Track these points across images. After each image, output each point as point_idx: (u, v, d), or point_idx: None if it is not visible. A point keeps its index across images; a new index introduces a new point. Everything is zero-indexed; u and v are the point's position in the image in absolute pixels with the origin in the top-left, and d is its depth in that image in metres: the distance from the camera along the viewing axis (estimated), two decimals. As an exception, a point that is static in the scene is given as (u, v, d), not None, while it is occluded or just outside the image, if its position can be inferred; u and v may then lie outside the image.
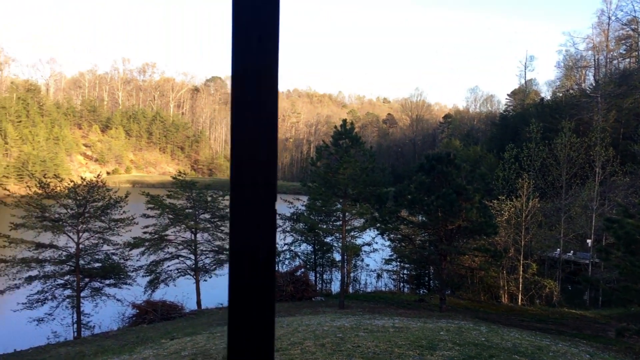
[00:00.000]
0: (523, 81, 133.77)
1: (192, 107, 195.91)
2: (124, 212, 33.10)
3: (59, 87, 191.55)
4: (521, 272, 39.13)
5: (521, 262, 39.37)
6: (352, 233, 36.28)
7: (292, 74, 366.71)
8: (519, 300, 38.80)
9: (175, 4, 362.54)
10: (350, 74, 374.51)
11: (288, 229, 40.28)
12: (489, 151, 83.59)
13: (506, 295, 39.53)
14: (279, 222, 41.14)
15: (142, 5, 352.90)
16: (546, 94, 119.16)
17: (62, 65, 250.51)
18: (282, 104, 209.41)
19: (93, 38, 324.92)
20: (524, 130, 63.09)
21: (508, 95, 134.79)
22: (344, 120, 32.19)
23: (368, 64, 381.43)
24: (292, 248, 40.26)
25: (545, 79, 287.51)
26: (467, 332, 15.63)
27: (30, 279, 29.41)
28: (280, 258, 40.63)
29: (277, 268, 39.47)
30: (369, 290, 42.63)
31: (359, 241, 39.64)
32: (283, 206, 42.09)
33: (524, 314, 32.97)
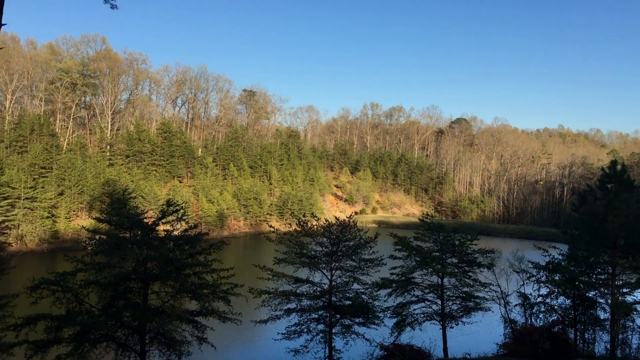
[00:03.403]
0: None
1: (437, 149, 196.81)
2: (373, 252, 33.69)
3: (315, 132, 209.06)
4: None
5: None
6: (623, 289, 31.75)
7: (540, 111, 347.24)
8: None
9: (428, 53, 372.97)
10: (610, 108, 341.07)
11: (543, 279, 36.94)
12: None
13: None
14: (532, 271, 38.09)
15: (390, 54, 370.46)
16: None
17: (318, 112, 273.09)
18: (532, 144, 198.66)
19: (345, 86, 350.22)
20: None
21: None
22: (613, 162, 28.65)
23: (631, 95, 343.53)
24: (548, 301, 36.73)
25: None
26: None
27: (289, 311, 31.51)
28: (534, 311, 37.39)
29: (530, 321, 36.53)
30: (642, 356, 36.74)
31: (629, 298, 34.57)
32: (536, 254, 38.93)
33: None
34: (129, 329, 26.23)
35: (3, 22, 15.40)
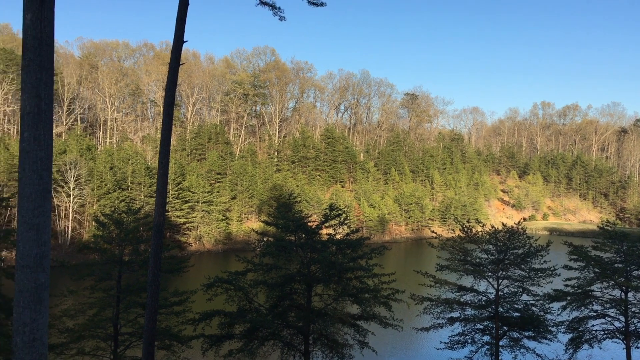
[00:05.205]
0: None
1: (618, 150, 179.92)
2: (544, 261, 31.33)
3: (480, 135, 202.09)
4: None
5: None
6: None
7: None
8: None
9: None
10: None
11: None
12: None
13: None
14: None
15: (562, 47, 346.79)
16: None
17: (483, 114, 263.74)
18: None
19: (512, 85, 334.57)
20: None
21: None
22: None
23: None
24: None
25: None
26: None
27: (452, 320, 30.40)
28: None
29: None
30: None
31: None
32: None
33: None
34: (293, 328, 27.06)
35: (185, 39, 16.66)
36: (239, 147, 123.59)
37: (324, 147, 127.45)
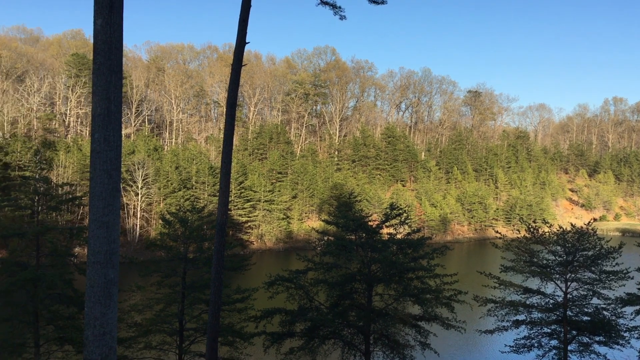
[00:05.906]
0: None
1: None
2: (616, 264, 29.96)
3: (547, 132, 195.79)
4: None
5: None
6: None
7: None
8: None
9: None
10: None
11: None
12: None
13: None
14: None
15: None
16: None
17: (550, 110, 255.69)
18: None
19: (582, 80, 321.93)
20: None
21: None
22: None
23: None
24: None
25: None
26: None
27: (517, 323, 29.53)
28: None
29: None
30: None
31: None
32: None
33: None
34: (354, 328, 27.01)
35: (247, 41, 16.91)
36: (299, 147, 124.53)
37: (384, 146, 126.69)
